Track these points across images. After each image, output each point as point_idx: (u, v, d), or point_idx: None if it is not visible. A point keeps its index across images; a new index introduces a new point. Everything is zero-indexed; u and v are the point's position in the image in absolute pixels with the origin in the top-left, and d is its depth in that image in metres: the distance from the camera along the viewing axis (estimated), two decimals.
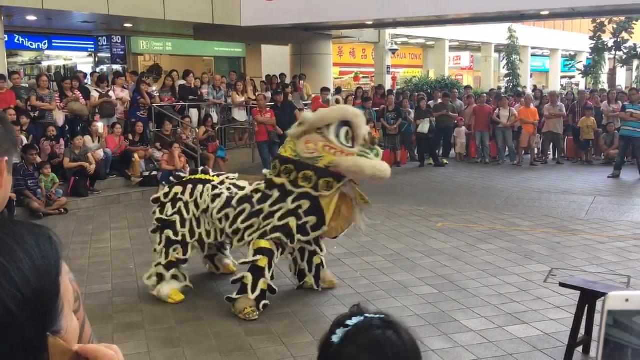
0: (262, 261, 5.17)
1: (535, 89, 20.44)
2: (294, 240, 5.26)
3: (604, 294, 4.31)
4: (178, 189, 5.79)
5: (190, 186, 5.75)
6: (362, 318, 1.10)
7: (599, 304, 4.47)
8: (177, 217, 5.65)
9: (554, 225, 8.37)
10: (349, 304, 5.36)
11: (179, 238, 5.62)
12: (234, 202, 5.44)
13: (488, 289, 5.82)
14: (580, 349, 4.41)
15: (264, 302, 5.24)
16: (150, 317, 5.29)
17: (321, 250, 5.84)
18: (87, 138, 10.99)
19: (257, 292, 5.16)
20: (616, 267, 6.43)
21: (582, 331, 4.39)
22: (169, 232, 5.64)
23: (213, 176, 5.91)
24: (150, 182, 11.32)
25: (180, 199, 5.70)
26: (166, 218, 5.69)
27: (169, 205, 5.73)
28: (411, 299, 5.62)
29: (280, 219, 5.20)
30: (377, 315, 1.11)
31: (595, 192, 10.88)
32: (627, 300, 0.83)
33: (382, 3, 13.58)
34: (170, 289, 5.64)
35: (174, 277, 5.68)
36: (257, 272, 5.19)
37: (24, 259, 0.74)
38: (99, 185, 10.87)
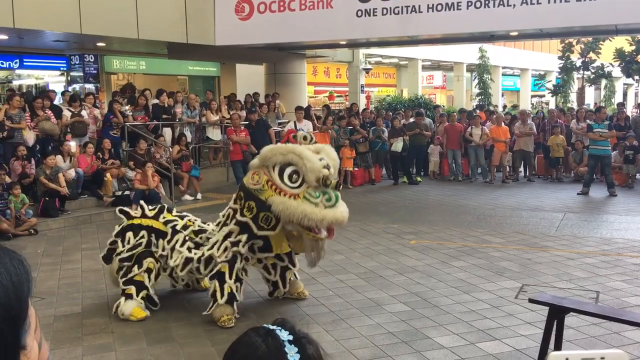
0: (224, 267, 5.37)
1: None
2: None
3: (572, 309, 4.40)
4: None
5: None
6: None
7: (567, 319, 4.54)
8: None
9: (525, 242, 8.48)
10: (323, 323, 5.39)
11: None
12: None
13: (460, 306, 5.87)
14: None
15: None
16: (121, 339, 5.22)
17: (294, 265, 5.99)
18: (59, 158, 10.87)
19: (226, 297, 5.30)
20: (585, 283, 6.54)
21: (552, 346, 4.44)
22: None
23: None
24: (123, 201, 11.17)
25: None
26: None
27: None
28: (384, 316, 5.64)
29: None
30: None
31: (565, 208, 11.07)
32: (567, 359, 0.85)
33: (355, 23, 13.73)
34: None
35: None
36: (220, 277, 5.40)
37: (3, 272, 0.83)
38: (70, 206, 10.72)
